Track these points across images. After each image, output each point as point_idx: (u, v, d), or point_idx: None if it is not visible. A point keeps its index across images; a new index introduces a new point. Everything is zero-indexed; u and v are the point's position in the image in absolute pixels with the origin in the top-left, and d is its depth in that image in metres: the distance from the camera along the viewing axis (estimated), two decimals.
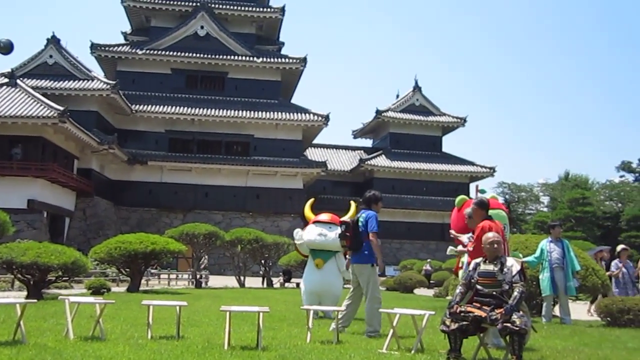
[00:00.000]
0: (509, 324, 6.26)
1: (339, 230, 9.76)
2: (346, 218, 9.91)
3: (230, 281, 28.60)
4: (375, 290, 8.88)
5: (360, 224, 9.05)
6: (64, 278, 15.63)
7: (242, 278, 27.61)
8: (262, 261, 28.64)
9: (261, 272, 29.70)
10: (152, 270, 28.23)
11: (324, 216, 11.71)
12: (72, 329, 7.56)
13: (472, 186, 55.38)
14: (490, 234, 7.02)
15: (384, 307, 8.51)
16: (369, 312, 8.78)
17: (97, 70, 46.87)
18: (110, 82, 42.81)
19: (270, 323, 9.82)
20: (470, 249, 8.05)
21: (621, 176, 74.98)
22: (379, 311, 8.53)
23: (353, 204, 11.59)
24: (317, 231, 11.39)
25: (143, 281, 23.35)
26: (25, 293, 14.95)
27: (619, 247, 14.17)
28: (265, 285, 28.18)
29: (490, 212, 8.65)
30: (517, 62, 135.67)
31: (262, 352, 6.72)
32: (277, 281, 30.22)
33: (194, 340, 7.60)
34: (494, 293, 6.65)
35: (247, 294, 19.82)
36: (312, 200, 12.47)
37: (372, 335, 8.61)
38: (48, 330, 8.19)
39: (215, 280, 28.95)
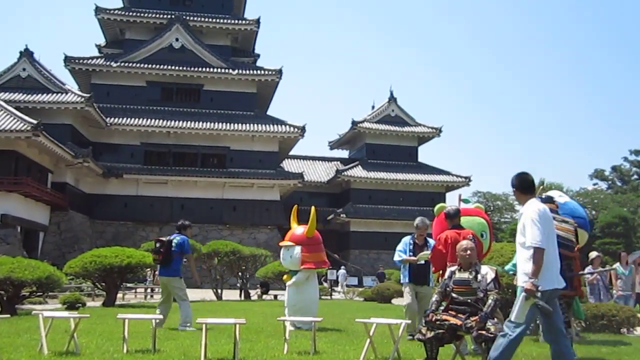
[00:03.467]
0: (483, 332, 6.33)
1: (294, 251, 11.26)
2: (165, 238, 11.48)
3: (208, 294, 28.41)
4: (183, 295, 11.32)
5: (173, 244, 11.18)
6: (38, 293, 15.47)
7: (219, 291, 27.45)
8: (240, 273, 28.52)
9: (239, 285, 29.57)
10: (129, 284, 27.96)
11: (287, 237, 11.77)
12: (47, 344, 7.48)
13: (449, 196, 55.79)
14: (464, 242, 7.10)
15: (362, 317, 8.53)
16: (183, 311, 11.19)
17: (71, 83, 46.55)
18: (85, 95, 42.49)
19: (247, 335, 9.79)
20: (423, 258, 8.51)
21: (594, 184, 76.06)
22: (189, 307, 11.22)
23: (312, 209, 11.68)
24: (282, 255, 11.83)
25: (119, 295, 23.13)
26: None
27: (592, 254, 14.34)
28: (242, 298, 28.05)
29: (468, 218, 8.77)
30: (491, 72, 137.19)
31: None
32: (254, 293, 30.10)
33: (170, 354, 7.56)
34: (469, 301, 6.71)
35: (224, 307, 19.72)
36: (295, 208, 12.51)
37: (188, 326, 10.85)
38: (22, 346, 8.09)
39: (192, 294, 28.60)
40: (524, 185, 6.13)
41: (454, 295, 6.85)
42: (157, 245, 11.31)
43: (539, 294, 5.54)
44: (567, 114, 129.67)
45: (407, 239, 9.97)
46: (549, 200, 8.07)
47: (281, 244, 11.78)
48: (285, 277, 11.93)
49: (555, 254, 5.83)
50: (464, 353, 7.81)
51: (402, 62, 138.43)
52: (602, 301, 13.56)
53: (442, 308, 6.89)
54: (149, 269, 20.44)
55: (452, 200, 57.48)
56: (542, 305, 5.54)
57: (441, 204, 9.73)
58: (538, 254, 5.59)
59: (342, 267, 41.64)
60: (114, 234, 44.81)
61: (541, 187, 9.02)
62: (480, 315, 6.44)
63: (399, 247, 9.92)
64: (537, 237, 5.63)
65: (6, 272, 13.79)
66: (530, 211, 5.86)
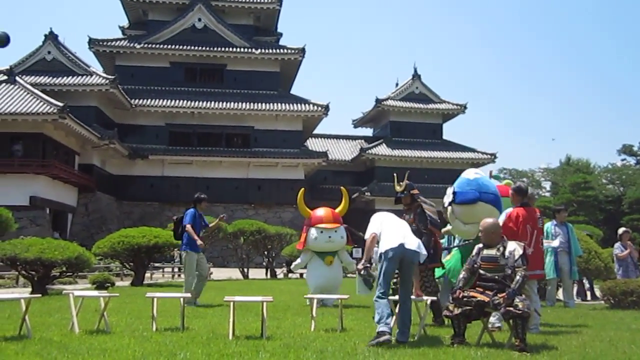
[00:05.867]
0: (511, 308, 6.30)
1: (343, 231, 11.77)
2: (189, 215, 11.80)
3: (234, 273, 28.66)
4: (187, 272, 11.67)
5: (183, 220, 11.75)
6: (67, 273, 15.67)
7: (245, 270, 27.69)
8: (265, 252, 28.69)
9: (264, 264, 29.78)
10: (156, 264, 28.28)
11: (327, 219, 11.72)
12: (77, 323, 7.59)
13: None
14: (489, 220, 7.07)
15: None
16: (185, 288, 11.60)
17: (95, 66, 46.86)
18: (109, 77, 42.76)
19: (274, 313, 9.86)
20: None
21: (623, 159, 74.91)
22: (202, 287, 11.74)
23: (344, 191, 11.82)
24: (324, 238, 11.67)
25: (147, 275, 23.43)
26: (29, 289, 15.00)
27: (621, 230, 14.19)
28: (268, 276, 28.24)
29: (502, 200, 8.73)
30: (516, 48, 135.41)
31: (266, 342, 6.75)
32: (280, 272, 30.28)
33: (199, 331, 7.63)
34: (497, 277, 6.69)
35: (250, 285, 19.89)
36: (302, 191, 12.51)
37: (196, 303, 11.29)
38: (53, 325, 8.22)
39: (219, 273, 28.99)
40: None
41: (481, 272, 6.83)
42: (174, 223, 12.22)
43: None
44: (595, 89, 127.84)
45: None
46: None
47: (325, 226, 11.68)
48: (328, 259, 11.76)
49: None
50: (495, 325, 7.83)
51: (426, 38, 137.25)
52: (630, 277, 13.42)
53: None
54: (176, 249, 20.64)
55: None
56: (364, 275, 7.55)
57: None
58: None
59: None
60: (141, 215, 45.24)
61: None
62: (508, 291, 6.41)
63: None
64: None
65: (37, 253, 14.00)
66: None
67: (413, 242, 7.04)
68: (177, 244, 19.80)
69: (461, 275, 6.97)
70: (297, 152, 48.21)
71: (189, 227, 11.57)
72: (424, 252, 7.16)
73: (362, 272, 7.41)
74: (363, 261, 7.35)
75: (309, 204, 12.45)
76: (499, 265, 6.74)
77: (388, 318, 6.77)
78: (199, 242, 11.58)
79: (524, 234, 8.02)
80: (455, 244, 9.66)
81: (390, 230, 7.13)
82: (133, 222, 40.07)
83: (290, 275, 29.22)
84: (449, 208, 8.68)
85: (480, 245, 7.05)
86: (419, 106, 54.74)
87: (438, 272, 9.39)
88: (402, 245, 6.89)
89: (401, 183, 9.19)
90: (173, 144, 47.38)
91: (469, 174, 8.79)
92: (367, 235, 7.24)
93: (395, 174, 9.84)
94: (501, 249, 6.82)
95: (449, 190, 8.66)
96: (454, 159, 53.70)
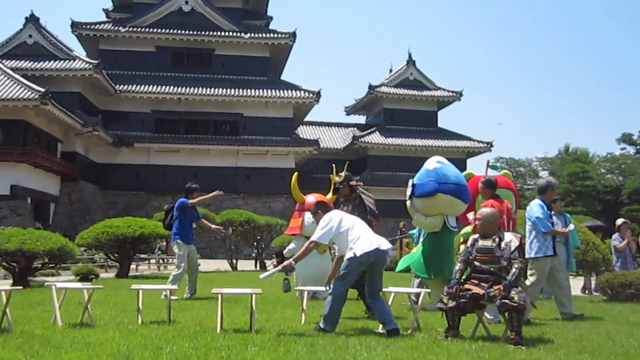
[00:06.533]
0: (507, 300, 6.33)
1: None
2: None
3: (222, 265, 28.65)
4: (178, 264, 11.54)
5: (174, 209, 11.74)
6: (50, 265, 15.61)
7: (234, 261, 27.68)
8: (255, 243, 28.68)
9: (254, 255, 29.77)
10: (142, 255, 28.24)
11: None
12: (60, 316, 7.58)
13: (470, 162, 55.50)
14: (486, 210, 7.08)
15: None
16: (170, 279, 11.50)
17: (78, 50, 46.55)
18: (93, 61, 42.50)
19: (264, 305, 9.88)
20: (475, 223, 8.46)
21: (622, 148, 75.11)
22: (179, 278, 11.43)
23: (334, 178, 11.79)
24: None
25: (132, 266, 23.39)
26: (10, 281, 14.94)
27: (619, 221, 14.25)
28: (258, 268, 28.24)
29: (498, 191, 8.75)
30: (512, 34, 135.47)
31: (255, 335, 6.76)
32: (270, 263, 30.27)
33: (186, 325, 7.64)
34: (492, 269, 6.71)
35: (239, 277, 19.91)
36: (296, 175, 12.28)
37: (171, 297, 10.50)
38: (35, 318, 8.21)
39: (207, 264, 28.96)
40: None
41: (476, 263, 6.85)
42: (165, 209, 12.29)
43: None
44: (596, 75, 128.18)
45: (540, 203, 9.31)
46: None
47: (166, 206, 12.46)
48: (322, 247, 11.74)
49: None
50: (493, 321, 7.86)
51: (421, 22, 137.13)
52: (628, 269, 13.50)
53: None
54: (159, 240, 20.64)
55: (473, 167, 57.27)
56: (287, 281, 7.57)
57: (468, 171, 9.66)
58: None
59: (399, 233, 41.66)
60: (126, 204, 45.14)
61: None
62: (504, 283, 6.44)
63: (538, 213, 9.16)
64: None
65: (18, 244, 13.92)
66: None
67: (385, 243, 7.17)
68: (164, 235, 19.84)
69: (456, 267, 6.99)
70: (287, 140, 48.17)
71: (195, 200, 11.77)
72: (391, 251, 7.39)
73: (288, 273, 7.28)
74: (292, 260, 7.30)
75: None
76: (495, 256, 6.76)
77: (338, 318, 7.14)
78: (213, 226, 12.39)
79: (501, 225, 8.05)
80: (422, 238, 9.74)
81: (360, 231, 7.17)
82: (118, 212, 39.96)
83: (274, 261, 29.24)
84: (409, 202, 8.75)
85: (476, 236, 7.06)
86: (413, 93, 54.78)
87: (401, 264, 9.50)
88: (377, 249, 7.00)
89: (340, 174, 9.31)
90: (159, 131, 47.25)
91: (430, 163, 8.81)
92: (319, 236, 7.12)
93: (333, 165, 9.92)
94: (497, 240, 6.84)
95: (410, 182, 8.73)
96: (449, 147, 53.80)
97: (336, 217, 7.25)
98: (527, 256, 8.94)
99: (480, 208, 7.91)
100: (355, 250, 6.95)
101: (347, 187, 9.22)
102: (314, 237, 7.14)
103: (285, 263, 7.24)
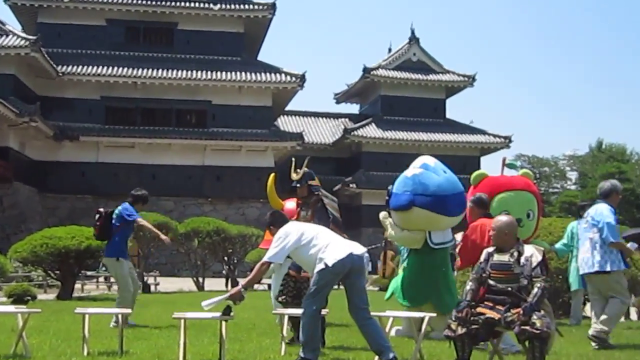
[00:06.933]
0: (527, 327, 6.33)
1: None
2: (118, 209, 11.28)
3: (186, 283, 28.61)
4: (123, 284, 11.04)
5: (114, 216, 11.06)
6: None
7: (200, 279, 27.64)
8: (225, 258, 28.67)
9: (224, 272, 29.76)
10: (89, 273, 28.13)
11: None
12: None
13: (484, 160, 55.81)
14: (501, 218, 7.09)
15: (376, 310, 8.59)
16: (118, 301, 10.94)
17: (12, 23, 46.30)
18: (30, 37, 42.25)
19: (236, 333, 9.86)
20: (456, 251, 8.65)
21: None
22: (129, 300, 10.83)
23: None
24: None
25: (77, 286, 23.28)
26: None
27: None
28: (229, 288, 28.22)
29: (510, 194, 8.80)
30: (536, 6, 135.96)
31: None
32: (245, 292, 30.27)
33: (141, 356, 7.62)
34: (510, 289, 6.71)
35: (207, 299, 19.82)
36: (273, 176, 12.13)
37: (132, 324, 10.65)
38: None
39: (168, 283, 28.93)
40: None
41: (491, 282, 6.85)
42: (96, 217, 11.25)
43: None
44: (633, 60, 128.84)
45: (610, 208, 9.19)
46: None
47: (98, 209, 11.80)
48: None
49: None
50: (510, 351, 7.89)
51: None
52: None
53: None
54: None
55: (488, 166, 57.47)
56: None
57: (480, 172, 9.68)
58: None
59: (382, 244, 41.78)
60: (70, 211, 44.90)
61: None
62: (524, 306, 6.44)
63: (610, 219, 9.04)
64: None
65: None
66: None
67: (358, 247, 7.15)
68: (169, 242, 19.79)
69: (467, 287, 6.99)
70: (265, 133, 48.15)
71: (142, 221, 11.47)
72: (367, 255, 7.28)
73: (236, 302, 7.12)
74: (242, 285, 7.27)
75: (282, 197, 12.34)
76: (513, 274, 6.76)
77: (318, 342, 7.13)
78: (164, 238, 11.66)
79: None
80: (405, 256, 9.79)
81: (327, 238, 7.17)
82: (60, 220, 39.76)
83: (255, 286, 29.23)
84: (383, 212, 8.82)
85: (490, 249, 7.08)
86: (417, 77, 54.96)
87: (390, 289, 9.51)
88: (351, 254, 6.97)
89: (298, 170, 9.28)
90: (110, 122, 47.09)
91: (410, 169, 8.88)
92: (271, 254, 7.01)
93: (292, 159, 9.90)
94: (515, 254, 6.83)
95: (388, 189, 8.80)
96: (460, 142, 54.07)
97: (294, 231, 7.14)
98: (594, 270, 9.00)
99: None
100: (327, 260, 6.90)
101: (306, 187, 9.17)
102: (265, 257, 7.02)
103: (233, 290, 7.15)
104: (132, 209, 11.17)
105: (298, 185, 9.19)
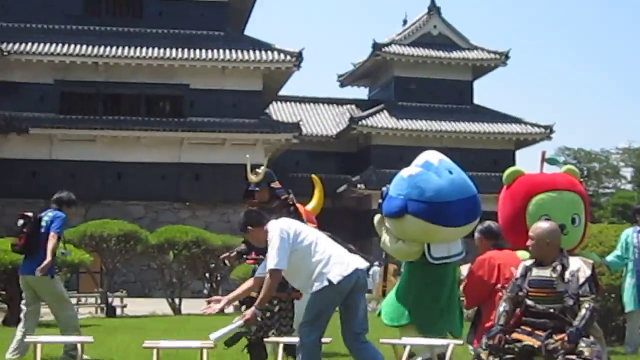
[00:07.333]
0: (574, 356, 6.33)
1: None
2: (43, 213, 11.20)
3: (159, 305, 28.60)
4: (64, 301, 10.93)
5: (43, 223, 10.84)
6: None
7: (176, 301, 27.64)
8: (207, 275, 28.65)
9: (206, 291, 29.76)
10: None
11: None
12: None
13: (520, 155, 55.79)
14: (542, 225, 7.07)
15: (390, 335, 8.59)
16: (62, 328, 10.66)
17: None
18: None
19: None
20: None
21: None
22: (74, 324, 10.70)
23: (315, 179, 11.79)
24: None
25: None
26: None
27: None
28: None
29: (551, 195, 8.78)
30: None
31: None
32: (228, 306, 30.28)
33: None
34: (552, 311, 6.71)
35: (184, 324, 19.87)
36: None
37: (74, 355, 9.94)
38: None
39: (137, 305, 28.90)
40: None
41: (529, 302, 6.85)
42: (20, 223, 11.01)
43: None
44: None
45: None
46: None
47: (23, 213, 11.50)
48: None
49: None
50: None
51: None
52: None
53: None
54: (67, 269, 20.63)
55: (525, 162, 57.46)
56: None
57: (514, 169, 9.62)
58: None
59: (376, 263, 41.64)
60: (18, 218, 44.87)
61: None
62: (569, 331, 6.44)
63: None
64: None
65: None
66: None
67: (360, 260, 7.17)
68: (71, 263, 19.81)
69: (501, 309, 6.97)
70: (254, 123, 48.07)
71: (54, 236, 10.64)
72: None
73: (251, 328, 7.16)
74: (256, 306, 7.02)
75: None
76: (556, 292, 6.75)
77: None
78: (48, 257, 10.66)
79: (505, 280, 8.03)
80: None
81: (328, 247, 7.14)
82: (5, 230, 39.79)
83: (243, 308, 29.22)
84: (378, 216, 8.83)
85: (528, 262, 7.07)
86: (438, 54, 54.91)
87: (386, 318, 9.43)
88: (357, 269, 7.00)
89: (257, 170, 9.23)
90: (67, 111, 47.01)
91: (408, 169, 8.87)
92: (278, 260, 6.81)
93: (247, 155, 9.88)
94: (559, 268, 6.81)
95: (383, 190, 8.82)
96: (490, 133, 54.04)
97: (290, 226, 7.08)
98: None
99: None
100: (330, 276, 6.84)
101: (267, 190, 9.13)
102: (271, 264, 6.84)
103: (247, 314, 7.03)
104: (61, 220, 10.96)
105: (257, 188, 9.12)
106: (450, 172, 8.89)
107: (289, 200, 9.11)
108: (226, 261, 9.73)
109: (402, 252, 8.67)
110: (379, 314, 9.50)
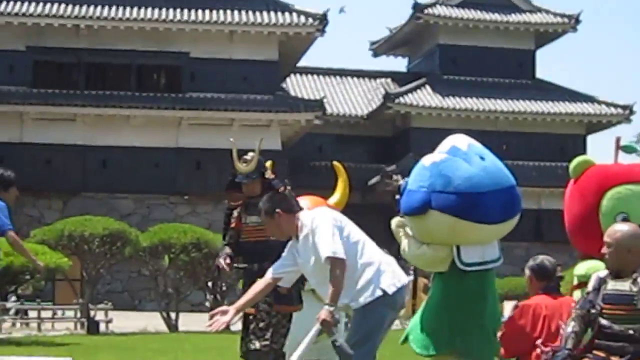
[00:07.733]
0: None
1: None
2: None
3: (153, 320, 28.73)
4: None
5: None
6: None
7: (172, 315, 27.74)
8: (209, 284, 28.73)
9: (208, 304, 29.85)
10: (9, 304, 28.31)
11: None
12: None
13: (592, 140, 55.57)
14: (620, 227, 7.03)
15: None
16: None
17: None
18: None
19: None
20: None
21: None
22: None
23: (338, 167, 11.77)
24: None
25: None
26: None
27: None
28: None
29: (630, 189, 8.73)
30: None
31: None
32: (237, 318, 30.38)
33: None
34: (632, 332, 6.69)
35: (182, 343, 19.95)
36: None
37: None
38: None
39: (125, 320, 29.04)
40: None
41: (603, 322, 6.81)
42: None
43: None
44: None
45: None
46: None
47: None
48: None
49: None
50: None
51: None
52: None
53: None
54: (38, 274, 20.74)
55: (598, 149, 57.25)
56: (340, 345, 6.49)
57: (583, 158, 9.57)
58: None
59: (411, 269, 41.77)
60: None
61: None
62: None
63: None
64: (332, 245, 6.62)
65: None
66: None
67: (403, 272, 7.29)
68: (46, 269, 19.86)
69: (569, 329, 6.94)
70: (268, 100, 48.11)
71: (15, 236, 10.36)
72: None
73: (337, 343, 6.64)
74: (329, 303, 6.64)
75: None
76: (636, 310, 6.73)
77: None
78: (38, 263, 11.04)
79: (550, 335, 8.01)
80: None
81: (376, 252, 7.18)
82: None
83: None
84: (396, 219, 8.76)
85: (602, 273, 7.04)
86: (492, 17, 54.76)
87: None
88: (404, 285, 7.10)
89: (246, 157, 9.02)
90: (41, 84, 47.16)
91: (430, 155, 8.70)
92: (337, 247, 6.59)
93: (231, 139, 9.81)
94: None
95: (401, 183, 8.76)
96: (556, 114, 53.85)
97: (336, 216, 7.01)
98: None
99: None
100: (384, 285, 6.84)
101: (259, 181, 8.91)
102: (329, 252, 6.55)
103: (322, 313, 6.54)
104: (6, 212, 10.37)
105: (245, 180, 8.92)
106: (482, 159, 8.66)
107: (284, 193, 8.95)
108: (225, 266, 9.43)
109: (427, 258, 8.55)
110: (405, 340, 9.45)
